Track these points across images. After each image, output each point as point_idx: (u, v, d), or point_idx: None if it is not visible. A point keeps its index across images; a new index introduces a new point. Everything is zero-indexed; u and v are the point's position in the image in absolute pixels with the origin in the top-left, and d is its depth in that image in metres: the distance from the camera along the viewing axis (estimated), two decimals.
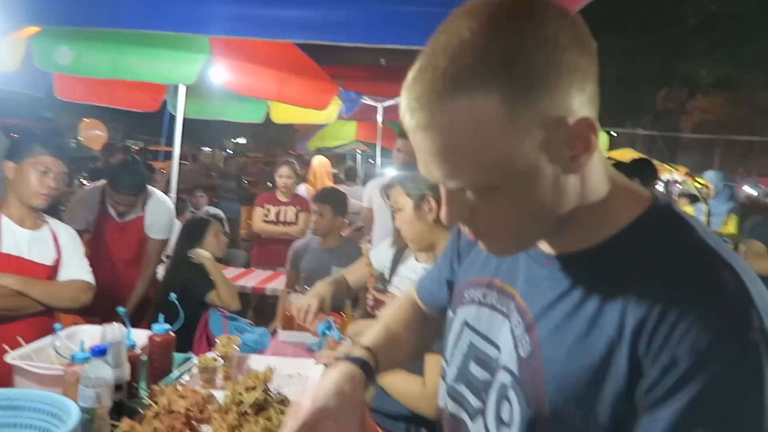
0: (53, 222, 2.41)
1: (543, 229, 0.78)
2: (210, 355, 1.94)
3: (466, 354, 0.94)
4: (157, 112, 5.14)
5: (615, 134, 20.61)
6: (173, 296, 1.91)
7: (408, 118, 0.72)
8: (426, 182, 1.80)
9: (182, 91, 4.06)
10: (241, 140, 21.71)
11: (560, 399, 0.76)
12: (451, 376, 0.97)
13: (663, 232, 0.76)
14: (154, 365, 1.86)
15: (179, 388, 1.72)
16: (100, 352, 1.46)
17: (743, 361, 0.67)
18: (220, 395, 1.71)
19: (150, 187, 3.35)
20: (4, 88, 3.69)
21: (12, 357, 1.74)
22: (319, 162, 6.61)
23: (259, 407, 1.62)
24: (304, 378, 2.04)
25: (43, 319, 2.24)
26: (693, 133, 21.72)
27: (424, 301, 1.18)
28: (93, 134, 7.12)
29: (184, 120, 4.40)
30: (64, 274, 2.34)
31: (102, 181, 3.29)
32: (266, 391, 1.65)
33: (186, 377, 1.91)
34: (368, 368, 0.98)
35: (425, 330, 1.18)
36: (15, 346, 1.83)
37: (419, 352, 1.27)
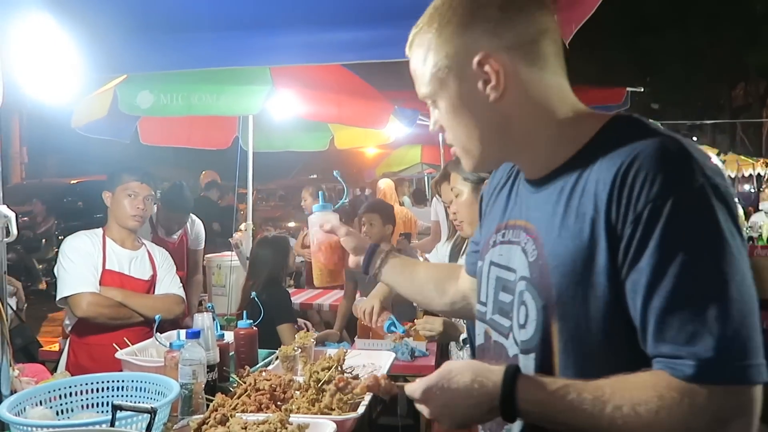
0: (148, 244, 2.72)
1: (490, 148, 1.00)
2: (290, 346, 2.12)
3: (495, 287, 1.08)
4: (227, 155, 5.46)
5: (695, 138, 19.72)
6: (254, 294, 2.10)
7: (407, 50, 1.04)
8: None
9: (251, 122, 4.38)
10: (313, 176, 22.53)
11: (564, 282, 0.90)
12: (488, 311, 1.10)
13: (619, 129, 0.93)
14: (241, 356, 2.05)
15: (264, 373, 1.90)
16: (194, 334, 1.66)
17: (691, 197, 0.81)
18: (300, 380, 1.87)
19: None
20: (94, 136, 4.11)
21: (121, 354, 2.00)
22: (386, 184, 6.78)
23: None
24: (378, 367, 2.17)
25: (141, 329, 2.50)
26: None
27: (471, 274, 1.29)
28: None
29: (255, 164, 4.74)
30: (160, 289, 2.61)
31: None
32: (341, 369, 1.80)
33: (270, 367, 2.09)
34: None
35: None
36: (122, 347, 2.09)
37: None
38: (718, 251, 0.80)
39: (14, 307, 4.09)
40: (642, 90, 4.92)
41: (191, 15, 2.53)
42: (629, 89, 4.80)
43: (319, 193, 1.55)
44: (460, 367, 0.93)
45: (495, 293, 1.07)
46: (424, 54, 0.99)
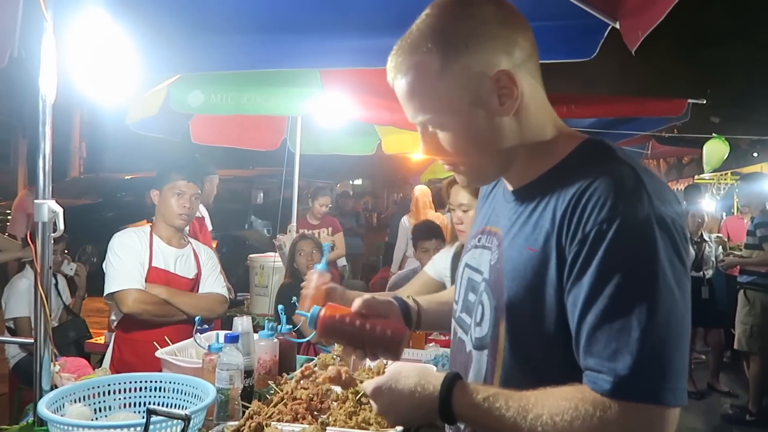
0: (194, 243, 2.73)
1: (494, 163, 1.02)
2: (329, 354, 2.07)
3: (465, 288, 1.15)
4: (275, 156, 5.48)
5: (756, 154, 18.73)
6: (281, 308, 2.08)
7: (391, 74, 1.00)
8: None
9: (299, 124, 4.38)
10: (357, 181, 22.62)
11: (514, 286, 0.96)
12: (457, 310, 1.17)
13: (588, 153, 0.98)
14: (279, 363, 2.02)
15: (302, 381, 1.86)
16: (232, 338, 1.64)
17: (635, 225, 0.85)
18: (338, 390, 1.82)
19: None
20: (147, 134, 4.20)
21: (161, 353, 2.00)
22: (420, 191, 6.64)
23: None
24: None
25: (185, 326, 2.50)
26: None
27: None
28: None
29: (302, 167, 4.75)
30: (203, 288, 2.63)
31: None
32: None
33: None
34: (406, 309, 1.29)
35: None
36: (163, 346, 2.09)
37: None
38: (650, 278, 0.83)
39: (65, 302, 4.18)
40: (704, 102, 4.68)
41: (243, 17, 2.53)
42: (690, 101, 4.58)
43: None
44: (408, 370, 1.02)
45: (465, 293, 1.14)
46: (422, 75, 0.96)
